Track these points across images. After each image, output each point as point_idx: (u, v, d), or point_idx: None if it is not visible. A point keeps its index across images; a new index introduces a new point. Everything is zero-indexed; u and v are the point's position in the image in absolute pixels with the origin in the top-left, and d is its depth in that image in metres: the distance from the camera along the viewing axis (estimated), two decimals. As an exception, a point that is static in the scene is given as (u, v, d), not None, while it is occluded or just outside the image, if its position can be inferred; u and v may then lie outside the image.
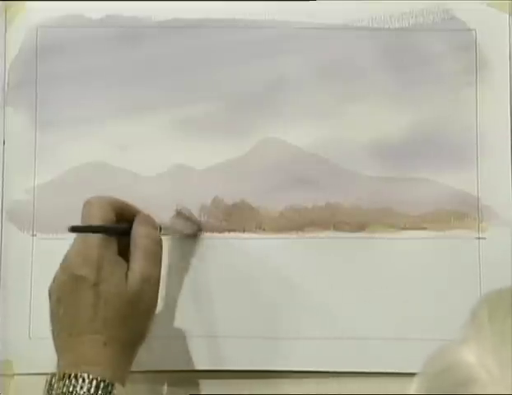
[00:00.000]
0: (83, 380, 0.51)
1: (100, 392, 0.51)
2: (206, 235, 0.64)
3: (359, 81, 0.65)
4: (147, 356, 0.60)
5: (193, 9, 0.65)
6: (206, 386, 0.63)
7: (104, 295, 0.54)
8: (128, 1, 0.65)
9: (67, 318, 0.54)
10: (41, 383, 0.53)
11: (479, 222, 0.63)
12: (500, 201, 0.63)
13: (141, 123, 0.65)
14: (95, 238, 0.55)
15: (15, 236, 0.64)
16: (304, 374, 0.62)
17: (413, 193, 0.64)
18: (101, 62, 0.65)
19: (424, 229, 0.63)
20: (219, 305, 0.63)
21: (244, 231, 0.64)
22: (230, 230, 0.64)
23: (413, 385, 0.40)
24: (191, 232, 0.63)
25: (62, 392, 0.51)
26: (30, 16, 0.66)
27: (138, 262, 0.55)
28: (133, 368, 0.56)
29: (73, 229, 0.55)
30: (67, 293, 0.54)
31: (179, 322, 0.63)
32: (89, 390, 0.51)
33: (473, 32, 0.65)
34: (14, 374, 0.63)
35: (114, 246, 0.56)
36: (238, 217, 0.64)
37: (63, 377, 0.52)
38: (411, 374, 0.41)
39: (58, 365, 0.54)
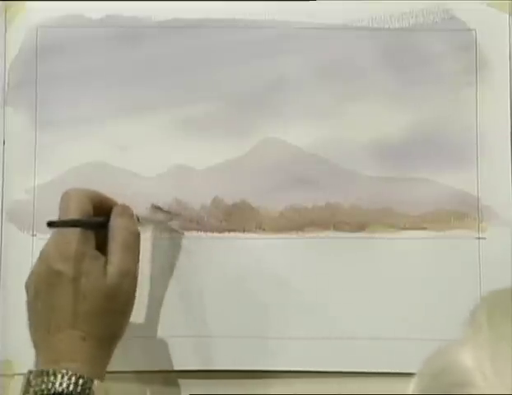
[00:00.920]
0: (62, 376, 0.51)
1: (78, 388, 0.51)
2: (206, 235, 0.64)
3: (359, 81, 0.65)
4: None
5: (193, 9, 0.65)
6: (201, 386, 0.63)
7: (83, 290, 0.54)
8: (128, 1, 0.65)
9: (45, 313, 0.54)
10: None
11: (479, 222, 0.63)
12: (500, 201, 0.63)
13: (141, 123, 0.65)
14: (72, 232, 0.55)
15: (15, 236, 0.64)
16: (304, 375, 0.62)
17: (413, 193, 0.64)
18: (101, 62, 0.65)
19: (424, 229, 0.64)
20: (219, 305, 0.63)
21: (244, 231, 0.64)
22: (230, 230, 0.64)
23: (411, 385, 0.40)
24: (167, 224, 0.63)
25: (41, 389, 0.51)
26: (30, 16, 0.66)
27: (116, 256, 0.55)
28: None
29: (50, 224, 0.55)
30: (44, 288, 0.54)
31: (181, 322, 0.63)
32: (68, 386, 0.51)
33: (473, 32, 0.65)
34: (14, 374, 0.63)
35: (91, 240, 0.56)
36: (238, 217, 0.64)
37: (42, 374, 0.52)
38: (413, 374, 0.41)
39: (36, 362, 0.53)
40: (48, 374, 0.51)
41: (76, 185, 0.59)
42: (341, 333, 0.62)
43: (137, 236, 0.58)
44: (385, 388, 0.61)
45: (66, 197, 0.57)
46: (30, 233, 0.64)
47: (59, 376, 0.51)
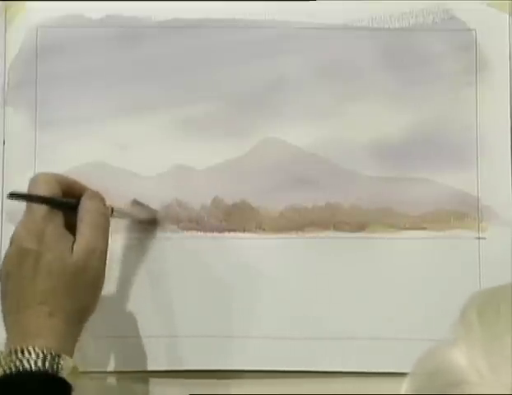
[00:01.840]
0: (29, 353, 0.51)
1: (47, 363, 0.51)
2: (206, 235, 0.64)
3: (359, 81, 0.65)
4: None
5: (193, 9, 0.65)
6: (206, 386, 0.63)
7: (48, 266, 0.54)
8: (128, 1, 0.65)
9: (15, 292, 0.54)
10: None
11: (479, 222, 0.63)
12: (500, 201, 0.63)
13: (141, 122, 0.65)
14: (39, 210, 0.55)
15: (15, 236, 0.64)
16: (304, 375, 0.62)
17: (413, 193, 0.64)
18: (101, 62, 0.65)
19: (424, 229, 0.64)
20: (219, 306, 0.63)
21: (244, 231, 0.64)
22: (230, 230, 0.64)
23: (403, 386, 0.40)
24: (145, 218, 0.63)
25: (10, 368, 0.51)
26: (30, 16, 0.66)
27: (84, 234, 0.55)
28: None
29: (12, 195, 0.56)
30: (14, 267, 0.54)
31: (181, 322, 0.63)
32: (36, 363, 0.51)
33: (473, 32, 0.65)
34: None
35: (59, 219, 0.55)
36: (238, 217, 0.64)
37: (10, 353, 0.51)
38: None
39: (7, 342, 0.53)
40: (16, 353, 0.51)
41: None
42: (341, 333, 0.62)
43: (107, 218, 0.57)
44: (385, 388, 0.60)
45: (33, 180, 0.57)
46: (30, 233, 0.64)
47: (27, 353, 0.51)
